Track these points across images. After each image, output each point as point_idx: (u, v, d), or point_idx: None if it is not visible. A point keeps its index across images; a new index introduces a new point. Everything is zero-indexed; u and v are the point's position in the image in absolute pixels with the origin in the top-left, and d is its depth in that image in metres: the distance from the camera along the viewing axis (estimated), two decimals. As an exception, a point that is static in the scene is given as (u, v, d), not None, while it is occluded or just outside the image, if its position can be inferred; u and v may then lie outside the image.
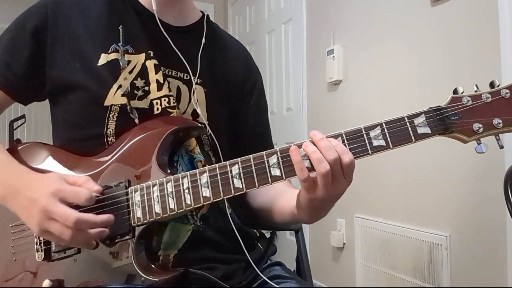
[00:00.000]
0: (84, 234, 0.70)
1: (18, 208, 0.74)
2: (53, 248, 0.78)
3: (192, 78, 0.89)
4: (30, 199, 0.71)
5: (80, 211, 0.70)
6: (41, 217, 0.70)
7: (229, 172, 0.71)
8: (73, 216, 0.68)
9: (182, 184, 0.74)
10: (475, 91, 0.67)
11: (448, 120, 0.67)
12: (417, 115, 0.67)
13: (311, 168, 0.67)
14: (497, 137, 0.67)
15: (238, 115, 0.98)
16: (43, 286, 0.77)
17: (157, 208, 0.75)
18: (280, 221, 0.90)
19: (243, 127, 0.98)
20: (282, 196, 0.88)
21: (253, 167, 0.70)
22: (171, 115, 0.85)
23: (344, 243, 2.37)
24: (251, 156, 0.71)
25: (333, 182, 0.67)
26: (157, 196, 0.75)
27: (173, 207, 0.74)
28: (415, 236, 1.86)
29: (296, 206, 0.77)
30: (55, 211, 0.68)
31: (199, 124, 0.87)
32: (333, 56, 2.36)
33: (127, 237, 0.76)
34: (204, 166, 0.86)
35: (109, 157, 0.81)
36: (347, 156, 0.66)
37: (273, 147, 0.96)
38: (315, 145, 0.67)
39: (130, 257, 0.75)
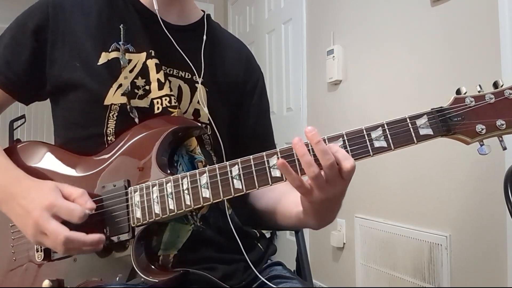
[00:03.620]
0: (77, 250, 0.71)
1: (13, 215, 0.75)
2: (53, 248, 0.78)
3: (196, 77, 0.88)
4: (24, 209, 0.72)
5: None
6: (34, 229, 0.71)
7: (229, 172, 0.71)
8: (63, 235, 0.68)
9: (182, 184, 0.74)
10: (478, 92, 0.66)
11: (451, 122, 0.66)
12: (419, 116, 0.66)
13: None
14: (500, 138, 0.66)
15: (240, 114, 0.97)
16: (43, 286, 0.77)
17: (157, 209, 0.75)
18: (285, 224, 0.89)
19: (244, 126, 0.98)
20: (286, 199, 0.88)
21: (253, 168, 0.70)
22: (172, 114, 0.85)
23: (344, 243, 2.37)
24: (251, 156, 0.70)
25: (329, 184, 0.66)
26: (157, 196, 0.75)
27: (173, 208, 0.74)
28: (415, 236, 1.86)
29: (302, 211, 0.77)
30: (47, 227, 0.69)
31: (199, 124, 0.87)
32: (333, 56, 2.36)
33: (126, 237, 0.76)
34: (204, 166, 0.85)
35: (109, 156, 0.81)
36: (348, 163, 0.65)
37: (275, 147, 0.96)
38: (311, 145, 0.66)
39: (129, 258, 0.75)
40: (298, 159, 0.66)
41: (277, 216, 0.90)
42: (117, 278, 0.75)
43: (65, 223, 0.70)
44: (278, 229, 1.09)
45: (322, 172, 0.65)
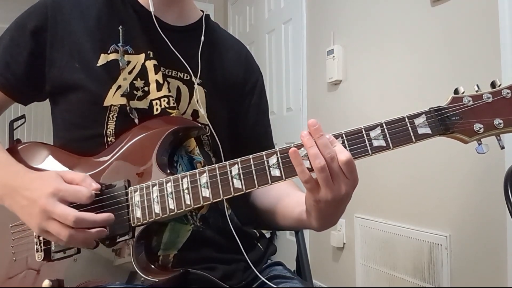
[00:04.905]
0: (84, 233, 0.70)
1: (17, 208, 0.75)
2: (53, 248, 0.78)
3: (193, 78, 0.89)
4: (29, 199, 0.72)
5: (80, 211, 0.70)
6: (41, 217, 0.70)
7: (228, 172, 0.71)
8: (72, 215, 0.68)
9: (182, 184, 0.74)
10: (476, 91, 0.67)
11: (449, 121, 0.66)
12: (418, 115, 0.67)
13: (311, 169, 0.67)
14: (498, 137, 0.66)
15: (239, 115, 0.98)
16: (43, 286, 0.77)
17: (157, 209, 0.75)
18: (285, 224, 0.89)
19: (243, 127, 0.98)
20: (288, 198, 0.88)
21: (253, 168, 0.70)
22: (171, 115, 0.85)
23: (344, 243, 2.37)
24: (250, 156, 0.71)
25: (334, 181, 0.66)
26: (157, 196, 0.75)
27: (173, 208, 0.74)
28: (415, 236, 1.86)
29: (305, 210, 0.77)
30: (55, 211, 0.69)
31: (199, 124, 0.87)
32: (333, 56, 2.36)
33: (126, 237, 0.76)
34: (203, 167, 0.85)
35: (109, 157, 0.81)
36: (343, 155, 0.65)
37: (274, 147, 0.96)
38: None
39: (129, 257, 0.75)
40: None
41: (277, 216, 0.90)
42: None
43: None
44: (278, 229, 1.09)
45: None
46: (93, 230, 0.70)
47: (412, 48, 1.91)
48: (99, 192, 0.75)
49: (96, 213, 0.74)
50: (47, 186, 0.71)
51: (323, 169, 0.65)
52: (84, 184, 0.73)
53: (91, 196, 0.71)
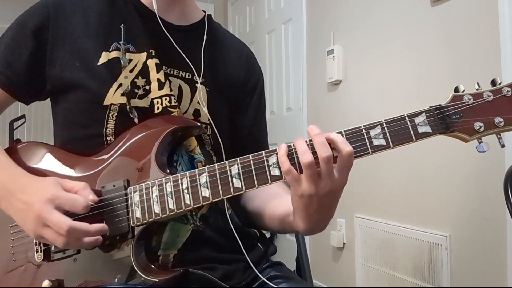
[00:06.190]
0: (78, 241, 0.70)
1: (13, 211, 0.74)
2: (53, 248, 0.78)
3: (196, 77, 0.89)
4: (25, 203, 0.71)
5: (76, 217, 0.70)
6: (35, 222, 0.70)
7: (228, 172, 0.71)
8: (66, 224, 0.68)
9: (181, 184, 0.74)
10: (477, 89, 0.66)
11: (449, 119, 0.66)
12: (418, 114, 0.67)
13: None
14: (499, 136, 0.66)
15: (238, 113, 0.97)
16: (43, 286, 0.77)
17: (157, 208, 0.75)
18: (274, 226, 0.88)
19: (241, 126, 0.98)
20: (277, 199, 0.87)
21: (253, 167, 0.70)
22: (172, 114, 0.85)
23: (344, 243, 2.37)
24: (250, 155, 0.70)
25: (319, 178, 0.66)
26: (156, 196, 0.75)
27: (173, 207, 0.74)
28: (415, 236, 1.86)
29: (292, 211, 0.76)
30: (49, 218, 0.69)
31: (198, 124, 0.87)
32: (333, 56, 2.36)
33: (126, 237, 0.76)
34: (204, 166, 0.85)
35: (108, 156, 0.81)
36: (347, 146, 0.65)
37: (269, 148, 0.95)
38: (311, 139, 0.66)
39: (129, 258, 0.75)
40: (297, 157, 0.66)
41: (265, 218, 0.89)
42: (116, 280, 0.76)
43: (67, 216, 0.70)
44: (269, 231, 1.07)
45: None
46: (88, 239, 0.70)
47: (412, 48, 1.91)
48: (95, 204, 0.74)
49: (95, 215, 0.74)
50: (45, 191, 0.71)
51: (310, 165, 0.64)
52: (84, 193, 0.73)
53: (87, 206, 0.71)
